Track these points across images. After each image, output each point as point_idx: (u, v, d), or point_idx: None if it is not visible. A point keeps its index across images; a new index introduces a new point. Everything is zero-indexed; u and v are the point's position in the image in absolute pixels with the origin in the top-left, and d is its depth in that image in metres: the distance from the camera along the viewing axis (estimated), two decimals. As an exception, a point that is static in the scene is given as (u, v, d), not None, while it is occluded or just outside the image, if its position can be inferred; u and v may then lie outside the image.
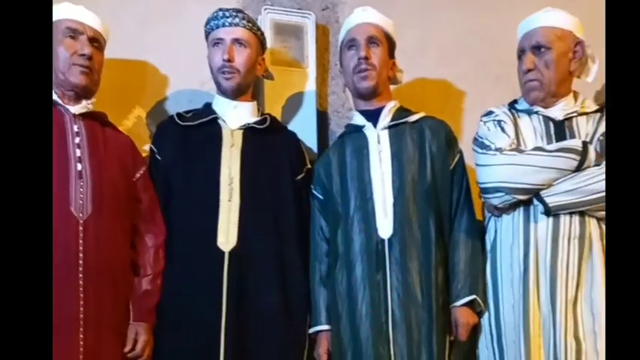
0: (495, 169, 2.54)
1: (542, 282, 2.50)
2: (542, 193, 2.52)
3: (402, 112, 2.83)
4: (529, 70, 2.65)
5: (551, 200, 2.50)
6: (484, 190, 2.59)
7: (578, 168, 2.51)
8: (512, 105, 2.77)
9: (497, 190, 2.54)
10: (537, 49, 2.65)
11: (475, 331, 2.64)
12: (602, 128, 2.59)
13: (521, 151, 2.56)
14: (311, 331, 2.73)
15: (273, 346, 2.60)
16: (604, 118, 2.62)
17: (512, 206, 2.58)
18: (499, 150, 2.57)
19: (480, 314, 2.64)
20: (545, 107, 2.68)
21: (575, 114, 2.66)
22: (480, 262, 2.66)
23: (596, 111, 2.67)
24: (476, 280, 2.63)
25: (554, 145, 2.55)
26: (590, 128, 2.62)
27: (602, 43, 2.32)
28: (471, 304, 2.63)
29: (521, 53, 2.68)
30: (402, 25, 2.95)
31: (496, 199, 2.56)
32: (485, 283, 2.63)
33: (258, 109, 2.90)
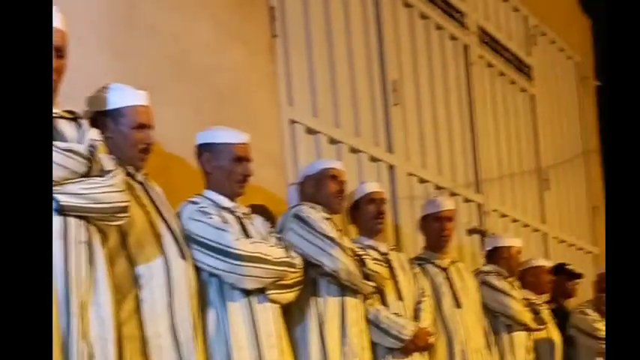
0: None
1: (58, 283, 2.44)
2: (54, 189, 2.43)
3: None
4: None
5: (63, 199, 2.46)
6: None
7: (88, 173, 2.51)
8: None
9: None
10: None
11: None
12: (87, 137, 2.56)
13: None
14: None
15: None
16: (84, 126, 2.60)
17: None
18: None
19: None
20: None
21: (56, 115, 2.55)
22: None
23: (72, 118, 2.60)
24: None
25: (64, 145, 2.48)
26: (74, 134, 2.57)
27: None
28: None
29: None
30: None
31: None
32: None
33: None
